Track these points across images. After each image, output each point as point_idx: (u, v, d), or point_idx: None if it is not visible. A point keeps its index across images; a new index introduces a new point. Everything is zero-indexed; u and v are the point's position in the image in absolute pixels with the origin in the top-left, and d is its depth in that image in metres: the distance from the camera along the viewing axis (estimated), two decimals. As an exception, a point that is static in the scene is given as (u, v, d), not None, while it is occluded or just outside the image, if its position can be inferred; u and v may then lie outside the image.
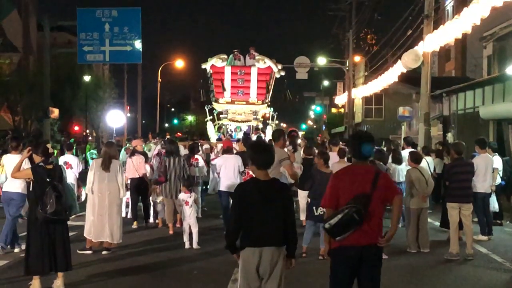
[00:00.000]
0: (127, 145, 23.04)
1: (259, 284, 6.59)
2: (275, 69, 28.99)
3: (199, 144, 21.10)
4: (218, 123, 29.73)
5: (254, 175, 6.82)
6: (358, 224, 6.46)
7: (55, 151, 25.13)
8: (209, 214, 18.42)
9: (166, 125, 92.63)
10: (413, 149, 17.61)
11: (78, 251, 12.38)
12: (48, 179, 9.58)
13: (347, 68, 49.37)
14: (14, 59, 45.66)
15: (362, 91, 46.64)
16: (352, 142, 7.10)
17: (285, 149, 13.61)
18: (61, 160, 16.98)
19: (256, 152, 6.82)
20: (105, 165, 12.56)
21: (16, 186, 12.43)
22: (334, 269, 6.74)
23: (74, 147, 26.85)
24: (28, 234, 9.87)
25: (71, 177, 15.83)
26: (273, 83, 29.51)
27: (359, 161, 6.91)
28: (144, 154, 17.64)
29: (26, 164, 10.83)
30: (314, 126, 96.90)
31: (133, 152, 16.96)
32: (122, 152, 20.58)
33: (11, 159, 12.64)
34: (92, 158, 24.65)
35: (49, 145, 10.39)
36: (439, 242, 14.01)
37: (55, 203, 9.44)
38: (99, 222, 12.54)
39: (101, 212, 12.58)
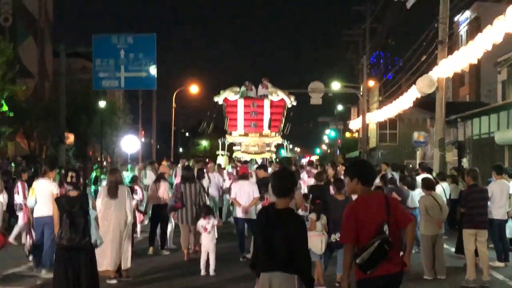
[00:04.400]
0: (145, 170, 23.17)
1: None
2: (288, 101, 29.03)
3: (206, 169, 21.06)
4: (227, 154, 29.75)
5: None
6: (387, 254, 6.46)
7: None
8: (222, 238, 18.37)
9: (181, 150, 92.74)
10: (428, 175, 17.57)
11: (107, 281, 12.21)
12: (68, 207, 9.67)
13: (361, 93, 49.40)
14: (30, 85, 45.93)
15: (377, 116, 46.62)
16: (360, 169, 7.05)
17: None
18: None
19: (279, 179, 6.76)
20: (111, 193, 12.49)
21: (48, 209, 12.52)
22: None
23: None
24: (55, 261, 10.02)
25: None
26: (285, 115, 29.54)
27: (367, 187, 6.87)
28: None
29: (56, 189, 11.41)
30: (329, 151, 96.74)
31: (158, 178, 16.97)
32: (149, 172, 20.89)
33: (42, 184, 13.40)
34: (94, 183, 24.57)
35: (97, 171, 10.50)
36: (456, 269, 13.93)
37: (69, 231, 9.52)
38: (100, 250, 11.80)
39: (103, 239, 12.25)
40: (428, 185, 13.79)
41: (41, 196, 13.33)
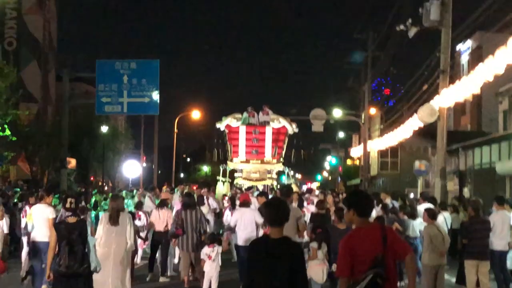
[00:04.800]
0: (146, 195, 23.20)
1: None
2: (289, 128, 29.10)
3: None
4: (229, 180, 29.78)
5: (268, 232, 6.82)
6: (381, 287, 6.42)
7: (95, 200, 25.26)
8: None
9: (182, 175, 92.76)
10: (429, 204, 17.58)
11: None
12: (67, 234, 9.71)
13: (362, 121, 49.48)
14: (33, 109, 46.06)
15: (378, 144, 46.67)
16: (355, 200, 7.02)
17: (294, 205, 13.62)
18: None
19: (270, 209, 6.77)
20: (113, 220, 12.41)
21: (45, 234, 12.92)
22: None
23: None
24: None
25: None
26: (287, 141, 29.63)
27: (363, 218, 6.87)
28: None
29: (52, 214, 11.61)
30: (330, 178, 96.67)
31: (161, 205, 17.00)
32: (146, 199, 20.89)
33: (39, 209, 13.73)
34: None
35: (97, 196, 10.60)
36: (457, 299, 13.91)
37: (68, 257, 9.54)
38: (100, 277, 11.84)
39: (104, 266, 11.88)
40: (433, 215, 13.79)
41: (38, 221, 13.58)
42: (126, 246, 12.50)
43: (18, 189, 28.72)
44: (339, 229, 12.20)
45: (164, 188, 25.58)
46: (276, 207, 6.79)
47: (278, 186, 28.98)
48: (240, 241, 15.02)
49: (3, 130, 32.90)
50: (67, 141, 34.15)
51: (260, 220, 14.80)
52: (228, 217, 17.65)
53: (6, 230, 14.56)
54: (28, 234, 14.36)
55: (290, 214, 7.12)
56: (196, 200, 16.66)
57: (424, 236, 13.63)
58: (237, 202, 18.47)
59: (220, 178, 30.06)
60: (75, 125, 43.51)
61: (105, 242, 12.32)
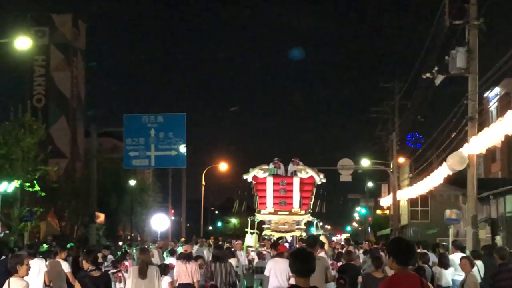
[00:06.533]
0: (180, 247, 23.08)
1: None
2: (317, 178, 28.97)
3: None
4: (257, 232, 29.64)
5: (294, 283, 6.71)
6: None
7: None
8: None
9: (210, 228, 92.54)
10: (462, 253, 17.27)
11: None
12: (93, 286, 9.65)
13: (391, 170, 49.17)
14: (62, 165, 46.42)
15: (407, 193, 46.23)
16: (395, 248, 6.94)
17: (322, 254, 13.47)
18: None
19: (295, 260, 6.75)
20: (142, 273, 12.39)
21: None
22: None
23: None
24: None
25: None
26: (315, 192, 29.48)
27: (402, 266, 6.77)
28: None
29: (67, 268, 11.82)
30: (359, 228, 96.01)
31: (188, 257, 16.84)
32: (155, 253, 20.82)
33: (54, 265, 14.19)
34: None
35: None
36: None
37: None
38: None
39: None
40: (472, 264, 13.52)
41: (54, 277, 13.92)
42: None
43: (46, 245, 28.73)
44: (376, 278, 12.01)
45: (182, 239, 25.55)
46: (303, 258, 6.76)
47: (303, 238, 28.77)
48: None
49: (32, 186, 33.10)
50: (96, 196, 34.23)
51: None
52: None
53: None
54: None
55: (319, 264, 7.06)
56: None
57: (470, 285, 13.24)
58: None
59: (248, 229, 29.88)
60: (104, 179, 43.69)
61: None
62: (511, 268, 13.24)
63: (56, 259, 14.40)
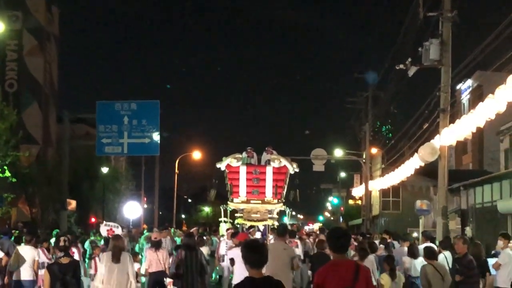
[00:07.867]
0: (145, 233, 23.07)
1: None
2: (290, 168, 28.98)
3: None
4: (230, 221, 29.65)
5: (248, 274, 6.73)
6: None
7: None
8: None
9: (183, 216, 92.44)
10: (431, 244, 17.45)
11: None
12: (61, 275, 9.61)
13: (364, 160, 49.41)
14: (33, 151, 45.98)
15: (379, 183, 46.49)
16: (328, 237, 7.44)
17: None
18: None
19: (248, 251, 6.76)
20: (115, 258, 12.46)
21: (28, 274, 13.90)
22: None
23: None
24: None
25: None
26: (287, 181, 29.47)
27: (338, 254, 7.15)
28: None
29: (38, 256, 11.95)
30: (332, 218, 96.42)
31: (158, 245, 16.82)
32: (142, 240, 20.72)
33: (25, 251, 14.37)
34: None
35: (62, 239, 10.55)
36: None
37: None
38: None
39: None
40: (430, 254, 13.63)
41: (24, 261, 14.17)
42: (128, 284, 12.45)
43: (17, 231, 28.54)
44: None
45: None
46: (255, 249, 6.80)
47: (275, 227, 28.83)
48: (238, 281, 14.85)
49: (3, 172, 32.83)
50: (67, 183, 34.03)
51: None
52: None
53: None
54: (9, 273, 14.54)
55: (284, 253, 7.18)
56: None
57: (420, 276, 13.47)
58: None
59: (222, 218, 29.89)
60: (76, 166, 43.41)
61: (107, 280, 12.28)
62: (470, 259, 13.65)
63: (27, 245, 14.56)
